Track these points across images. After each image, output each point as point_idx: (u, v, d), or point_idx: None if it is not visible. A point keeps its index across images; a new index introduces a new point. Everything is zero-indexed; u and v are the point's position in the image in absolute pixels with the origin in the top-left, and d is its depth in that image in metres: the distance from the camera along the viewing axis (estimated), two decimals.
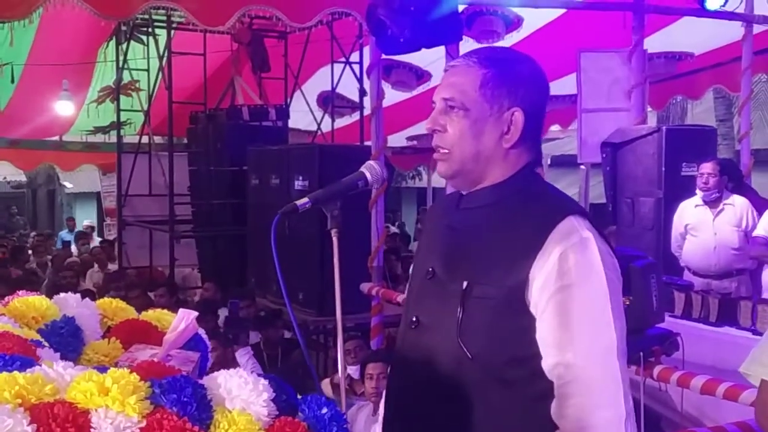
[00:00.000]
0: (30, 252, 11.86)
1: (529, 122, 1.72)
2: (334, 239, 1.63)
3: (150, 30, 8.60)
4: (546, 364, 1.61)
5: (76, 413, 1.13)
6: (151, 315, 1.85)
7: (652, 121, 9.44)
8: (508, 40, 7.77)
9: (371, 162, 1.76)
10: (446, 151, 1.73)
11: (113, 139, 10.35)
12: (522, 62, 1.78)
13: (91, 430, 1.13)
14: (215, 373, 1.30)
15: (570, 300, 1.59)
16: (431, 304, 1.77)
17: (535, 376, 1.62)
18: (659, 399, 4.23)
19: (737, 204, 5.84)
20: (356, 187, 1.73)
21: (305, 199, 1.67)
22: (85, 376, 1.19)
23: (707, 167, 5.74)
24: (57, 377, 1.20)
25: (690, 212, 5.91)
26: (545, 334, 1.60)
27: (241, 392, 1.24)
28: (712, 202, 5.80)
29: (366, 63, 6.82)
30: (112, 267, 10.06)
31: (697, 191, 5.81)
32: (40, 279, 8.99)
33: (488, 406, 1.64)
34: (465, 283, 1.67)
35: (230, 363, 5.30)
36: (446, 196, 1.95)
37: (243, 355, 5.43)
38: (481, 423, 1.64)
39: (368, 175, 1.74)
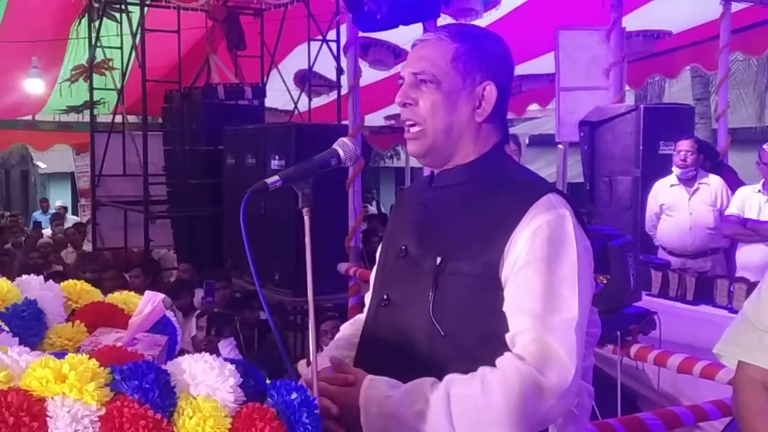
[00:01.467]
0: (4, 233, 11.71)
1: (499, 98, 1.73)
2: (306, 218, 1.58)
3: (123, 7, 8.46)
4: (509, 334, 1.61)
5: (31, 401, 1.08)
6: (118, 297, 1.79)
7: (629, 100, 9.43)
8: (487, 18, 7.70)
9: (344, 139, 1.71)
10: (418, 127, 1.71)
11: (86, 118, 10.20)
12: (491, 38, 1.79)
13: (47, 418, 1.08)
14: (179, 358, 1.24)
15: (538, 273, 1.59)
16: (403, 281, 1.76)
17: (506, 352, 1.61)
18: (636, 377, 4.24)
19: (712, 183, 5.85)
20: (329, 164, 1.69)
21: (275, 177, 1.62)
22: (41, 362, 1.13)
23: (685, 144, 5.73)
24: (11, 363, 1.14)
25: (665, 192, 5.90)
26: (511, 304, 1.61)
27: (206, 378, 1.19)
28: (687, 181, 5.80)
29: (343, 41, 6.74)
30: (87, 248, 9.95)
31: (674, 168, 5.80)
32: (12, 260, 8.86)
33: None
34: (439, 259, 1.67)
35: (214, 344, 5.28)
36: (420, 179, 1.95)
37: (226, 346, 5.38)
38: None
39: (341, 153, 1.69)
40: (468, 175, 1.74)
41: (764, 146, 5.42)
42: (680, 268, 5.32)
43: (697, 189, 5.83)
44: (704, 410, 3.04)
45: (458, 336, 1.64)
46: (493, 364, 1.59)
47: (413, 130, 1.73)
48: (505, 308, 1.62)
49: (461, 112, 1.71)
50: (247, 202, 1.64)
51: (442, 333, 1.64)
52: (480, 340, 1.64)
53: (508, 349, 1.61)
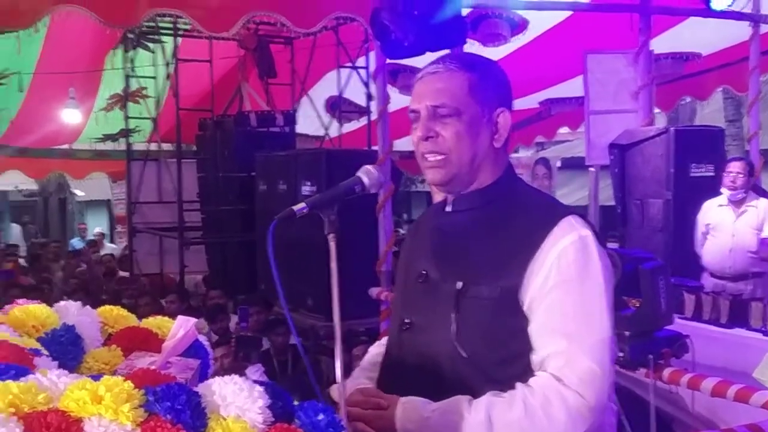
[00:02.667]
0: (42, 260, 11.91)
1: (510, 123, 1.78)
2: (332, 244, 1.62)
3: (157, 37, 8.63)
4: (538, 355, 1.64)
5: (69, 421, 1.12)
6: (152, 322, 1.84)
7: (661, 123, 9.40)
8: (515, 43, 7.76)
9: (368, 166, 1.75)
10: (442, 156, 1.74)
11: (122, 146, 10.38)
12: (494, 65, 1.83)
13: None
14: (210, 380, 1.29)
15: (568, 294, 1.63)
16: (424, 306, 1.79)
17: (526, 373, 1.65)
18: (671, 401, 4.20)
19: (761, 207, 5.75)
20: (353, 191, 1.73)
21: (302, 205, 1.67)
22: (78, 384, 1.18)
23: (736, 166, 5.69)
24: (50, 385, 1.19)
25: (712, 212, 5.87)
26: (542, 326, 1.64)
27: (236, 399, 1.23)
28: (736, 203, 5.74)
29: (372, 68, 6.82)
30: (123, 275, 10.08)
31: (723, 189, 5.77)
32: (52, 288, 9.01)
33: None
34: (460, 284, 1.70)
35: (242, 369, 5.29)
36: (433, 205, 1.98)
37: (254, 372, 5.41)
38: None
39: (365, 180, 1.73)
40: (485, 199, 1.78)
41: None
42: (714, 291, 5.27)
43: (744, 211, 5.76)
44: None
45: (480, 358, 1.68)
46: (512, 385, 1.63)
47: (436, 158, 1.75)
48: (534, 330, 1.65)
49: (482, 140, 1.75)
50: (278, 228, 1.69)
51: (464, 355, 1.68)
52: (501, 362, 1.67)
53: (529, 369, 1.65)
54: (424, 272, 1.79)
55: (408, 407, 1.66)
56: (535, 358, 1.65)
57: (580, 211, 1.81)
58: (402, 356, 1.81)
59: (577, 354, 1.59)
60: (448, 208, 1.84)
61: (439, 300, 1.73)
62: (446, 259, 1.78)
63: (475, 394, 1.65)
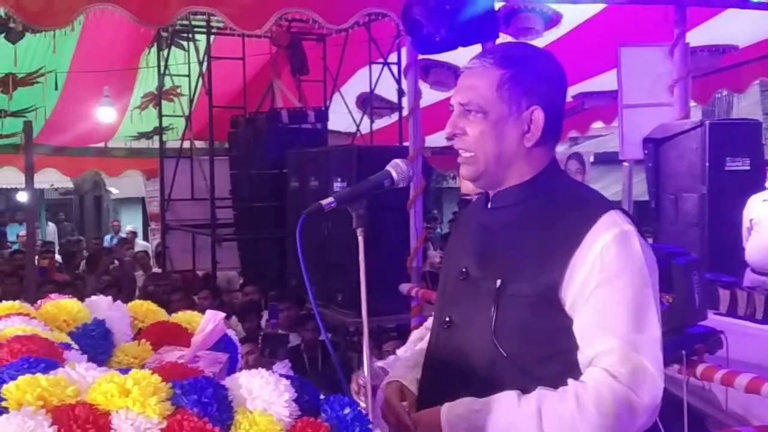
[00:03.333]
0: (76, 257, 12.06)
1: (549, 120, 1.72)
2: (360, 239, 1.62)
3: (190, 36, 8.70)
4: (587, 353, 1.61)
5: (97, 414, 1.14)
6: (181, 317, 1.86)
7: (697, 116, 9.29)
8: (547, 37, 7.69)
9: (397, 160, 1.75)
10: (470, 154, 1.74)
11: (156, 144, 10.48)
12: (539, 59, 1.77)
13: (112, 431, 1.13)
14: (237, 374, 1.30)
15: (614, 291, 1.60)
16: (465, 303, 1.78)
17: (566, 372, 1.63)
18: (704, 397, 4.15)
19: None
20: (382, 186, 1.73)
21: (330, 199, 1.67)
22: (106, 377, 1.19)
23: None
24: (79, 379, 1.21)
25: (756, 207, 5.78)
26: (588, 325, 1.61)
27: (262, 393, 1.24)
28: None
29: (404, 63, 6.81)
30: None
31: (767, 184, 5.70)
32: (84, 284, 9.13)
33: None
34: (498, 282, 1.68)
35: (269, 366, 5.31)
36: (476, 199, 1.95)
37: (281, 369, 5.42)
38: None
39: (394, 174, 1.73)
40: (524, 195, 1.75)
41: None
42: (749, 286, 5.19)
43: None
44: None
45: (519, 356, 1.66)
46: (554, 383, 1.61)
47: (465, 155, 1.75)
48: (580, 328, 1.62)
49: (509, 139, 1.72)
50: (307, 224, 1.69)
51: (504, 354, 1.66)
52: (541, 360, 1.65)
53: (571, 368, 1.62)
54: (464, 270, 1.78)
55: (453, 406, 1.65)
56: (582, 357, 1.62)
57: (621, 207, 1.77)
58: (443, 354, 1.81)
59: (628, 351, 1.56)
60: (489, 205, 1.82)
61: (479, 298, 1.72)
62: (486, 256, 1.76)
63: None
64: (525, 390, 1.62)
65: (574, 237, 1.63)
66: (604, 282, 1.60)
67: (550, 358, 1.65)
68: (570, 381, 1.59)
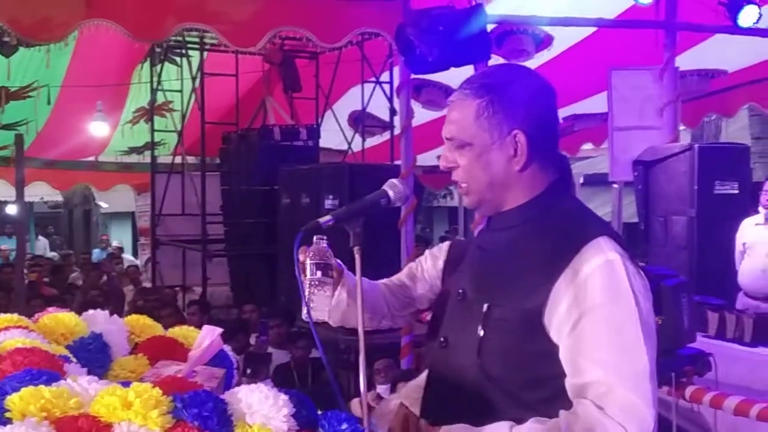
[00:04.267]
0: (65, 271, 12.03)
1: (534, 141, 1.70)
2: (357, 257, 1.65)
3: (183, 51, 8.72)
4: (573, 382, 1.59)
5: (100, 426, 1.15)
6: (178, 332, 1.87)
7: (686, 140, 9.36)
8: (539, 59, 7.77)
9: (394, 180, 1.77)
10: (465, 185, 1.76)
11: (147, 159, 10.48)
12: (518, 81, 1.76)
13: None
14: (236, 388, 1.31)
15: (599, 322, 1.57)
16: (458, 324, 1.79)
17: (555, 398, 1.61)
18: (692, 420, 4.17)
19: None
20: (379, 205, 1.75)
21: (328, 217, 1.70)
22: (108, 390, 1.21)
23: None
24: (81, 391, 1.22)
25: (749, 230, 5.84)
26: (575, 354, 1.59)
27: (261, 407, 1.25)
28: None
29: (396, 82, 6.86)
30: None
31: (760, 209, 5.75)
32: (74, 298, 9.09)
33: None
34: (486, 305, 1.68)
35: None
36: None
37: None
38: None
39: (391, 193, 1.75)
40: (521, 218, 1.74)
41: None
42: (738, 309, 5.23)
43: None
44: None
45: (505, 381, 1.66)
46: (542, 409, 1.60)
47: (462, 185, 1.77)
48: (566, 357, 1.60)
49: (497, 166, 1.72)
50: (301, 241, 1.71)
51: (489, 377, 1.66)
52: (526, 385, 1.65)
53: (559, 394, 1.61)
54: (462, 291, 1.79)
55: (450, 429, 1.64)
56: (569, 385, 1.60)
57: (614, 231, 1.74)
58: (438, 373, 1.82)
59: (615, 385, 1.53)
60: (489, 226, 1.84)
61: (470, 320, 1.72)
62: (480, 278, 1.77)
63: (502, 416, 1.63)
64: (513, 414, 1.62)
65: (558, 264, 1.62)
66: (588, 312, 1.58)
67: (535, 383, 1.64)
68: (561, 412, 1.57)
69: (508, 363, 1.65)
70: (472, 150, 1.70)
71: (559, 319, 1.60)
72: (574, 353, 1.59)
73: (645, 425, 1.53)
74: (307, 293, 1.75)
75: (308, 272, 1.75)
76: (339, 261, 1.90)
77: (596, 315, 1.57)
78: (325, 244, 1.77)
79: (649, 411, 1.54)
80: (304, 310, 1.74)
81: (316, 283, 1.75)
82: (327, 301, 1.80)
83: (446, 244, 2.14)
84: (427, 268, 2.10)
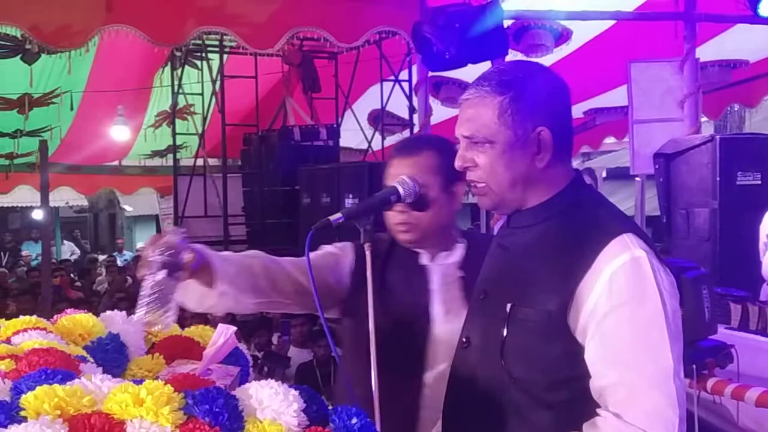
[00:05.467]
0: (92, 274, 12.18)
1: (557, 137, 1.68)
2: (367, 253, 1.66)
3: (203, 55, 8.79)
4: (597, 384, 1.57)
5: (113, 423, 1.17)
6: (194, 331, 1.90)
7: (708, 131, 9.28)
8: (557, 54, 7.74)
9: (404, 177, 1.79)
10: (483, 185, 1.71)
11: (170, 162, 10.56)
12: (536, 78, 1.73)
13: None
14: (247, 384, 1.33)
15: (623, 321, 1.55)
16: (480, 324, 1.77)
17: (578, 399, 1.60)
18: (715, 412, 4.14)
19: None
20: (389, 201, 1.76)
21: (338, 215, 1.71)
22: (121, 387, 1.23)
23: None
24: (95, 389, 1.24)
25: None
26: (599, 355, 1.57)
27: (271, 403, 1.27)
28: None
29: (415, 80, 6.87)
30: None
31: None
32: (100, 301, 9.19)
33: (532, 429, 1.63)
34: (509, 305, 1.66)
35: None
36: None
37: None
38: None
39: (401, 190, 1.77)
40: (542, 216, 1.71)
41: None
42: (761, 300, 5.18)
43: None
44: None
45: (528, 382, 1.64)
46: (565, 410, 1.59)
47: (479, 186, 1.72)
48: (590, 358, 1.58)
49: (520, 164, 1.68)
50: (316, 239, 1.73)
51: (512, 378, 1.65)
52: (549, 386, 1.63)
53: (581, 395, 1.59)
54: (485, 290, 1.78)
55: None
56: (592, 387, 1.58)
57: (638, 228, 1.70)
58: (461, 374, 1.80)
59: (639, 386, 1.51)
60: (509, 224, 1.80)
61: (493, 320, 1.70)
62: (501, 278, 1.75)
63: (525, 417, 1.63)
64: (535, 414, 1.61)
65: (582, 263, 1.59)
66: (613, 311, 1.55)
67: (558, 384, 1.62)
68: (584, 426, 1.55)
69: (531, 364, 1.63)
70: (494, 148, 1.66)
71: (584, 319, 1.58)
72: (597, 354, 1.57)
73: (670, 427, 1.49)
74: (147, 295, 1.60)
75: (154, 269, 1.59)
76: (199, 247, 1.79)
77: (621, 314, 1.55)
78: (178, 238, 1.62)
79: (674, 412, 1.50)
80: (140, 311, 1.63)
81: (159, 285, 1.59)
82: (172, 306, 1.65)
83: (349, 247, 2.14)
84: (340, 261, 2.12)
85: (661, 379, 1.52)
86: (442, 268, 2.11)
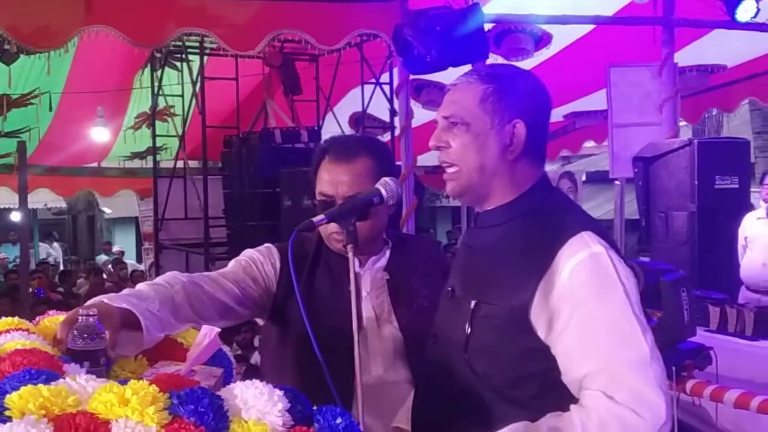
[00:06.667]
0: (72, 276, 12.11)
1: (531, 134, 1.73)
2: (350, 255, 1.67)
3: (183, 56, 8.75)
4: (574, 375, 1.59)
5: (97, 423, 1.17)
6: (177, 332, 1.89)
7: (687, 135, 9.37)
8: (538, 57, 7.78)
9: (386, 178, 1.80)
10: (454, 167, 1.76)
11: (150, 164, 10.51)
12: (521, 77, 1.81)
13: None
14: (232, 385, 1.33)
15: (591, 314, 1.58)
16: (447, 321, 1.81)
17: (542, 395, 1.63)
18: (694, 413, 4.18)
19: None
20: (371, 203, 1.77)
21: (321, 216, 1.72)
22: (106, 387, 1.23)
23: None
24: (79, 389, 1.24)
25: (750, 224, 5.86)
26: (573, 349, 1.59)
27: (256, 403, 1.27)
28: None
29: (396, 83, 6.88)
30: None
31: (761, 203, 5.77)
32: (79, 303, 9.13)
33: (499, 425, 1.63)
34: (473, 302, 1.70)
35: None
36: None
37: None
38: None
39: (383, 191, 1.77)
40: (508, 216, 1.75)
41: None
42: (738, 304, 5.24)
43: None
44: None
45: (492, 378, 1.67)
46: (531, 406, 1.61)
47: (450, 170, 1.77)
48: (563, 352, 1.61)
49: (492, 151, 1.73)
50: (294, 241, 1.73)
51: (475, 374, 1.68)
52: (513, 382, 1.66)
53: (546, 390, 1.62)
54: (451, 288, 1.81)
55: None
56: (569, 380, 1.61)
57: (602, 225, 1.76)
58: (429, 370, 1.84)
59: (620, 371, 1.54)
60: (474, 224, 1.84)
61: (458, 317, 1.73)
62: (468, 276, 1.79)
63: (489, 413, 1.65)
64: (501, 410, 1.64)
65: (542, 260, 1.63)
66: (579, 306, 1.58)
67: (523, 380, 1.65)
68: (572, 407, 1.57)
69: (494, 360, 1.66)
70: (468, 130, 1.72)
71: (548, 315, 1.61)
72: (570, 348, 1.59)
73: (656, 410, 1.52)
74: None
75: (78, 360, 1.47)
76: (115, 312, 1.68)
77: (587, 308, 1.58)
78: (92, 320, 1.51)
79: (657, 395, 1.53)
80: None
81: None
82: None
83: (275, 251, 2.17)
84: (265, 268, 2.13)
85: (640, 365, 1.55)
86: (371, 273, 2.15)
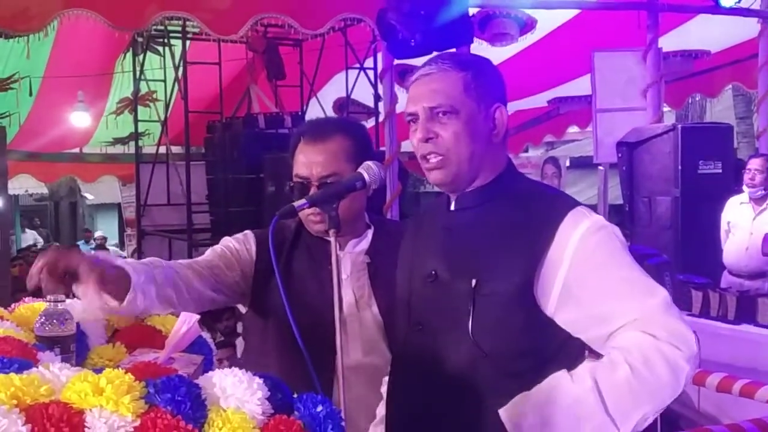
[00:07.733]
0: None
1: (507, 117, 1.79)
2: (332, 240, 1.65)
3: (166, 41, 8.66)
4: (604, 331, 1.63)
5: (71, 413, 1.14)
6: (156, 319, 1.88)
7: (670, 120, 9.38)
8: (522, 42, 7.76)
9: (369, 162, 1.77)
10: (441, 156, 1.74)
11: (132, 150, 10.42)
12: (487, 63, 1.86)
13: (86, 429, 1.14)
14: (210, 373, 1.31)
15: (609, 274, 1.64)
16: (436, 306, 1.79)
17: (543, 366, 1.65)
18: (677, 398, 4.19)
19: None
20: (354, 188, 1.75)
21: (303, 201, 1.70)
22: (80, 376, 1.20)
23: (755, 163, 5.71)
24: (53, 378, 1.21)
25: (733, 209, 5.87)
26: (595, 310, 1.63)
27: (235, 391, 1.25)
28: (757, 200, 5.74)
29: (380, 68, 6.84)
30: None
31: (744, 188, 5.78)
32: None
33: (499, 400, 1.66)
34: (474, 281, 1.70)
35: None
36: (434, 201, 1.98)
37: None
38: (493, 417, 1.65)
39: (366, 176, 1.75)
40: (489, 195, 1.78)
41: None
42: (721, 288, 5.26)
43: (765, 209, 5.74)
44: (743, 429, 3.01)
45: (498, 354, 1.69)
46: (526, 378, 1.63)
47: (437, 159, 1.75)
48: (589, 314, 1.65)
49: (480, 137, 1.75)
50: (275, 226, 1.70)
51: (483, 353, 1.69)
52: (516, 356, 1.69)
53: (542, 363, 1.65)
54: (433, 272, 1.79)
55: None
56: (598, 336, 1.64)
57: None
58: (415, 357, 1.82)
59: (652, 315, 1.59)
60: (453, 207, 1.83)
61: (453, 299, 1.73)
62: (456, 258, 1.77)
63: (493, 389, 1.67)
64: (501, 384, 1.65)
65: (544, 234, 1.67)
66: (598, 268, 1.64)
67: (524, 353, 1.68)
68: (613, 349, 1.61)
69: (500, 336, 1.68)
70: (459, 118, 1.72)
71: (557, 287, 1.65)
72: (593, 308, 1.63)
73: (690, 344, 1.58)
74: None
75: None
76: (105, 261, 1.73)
77: (606, 270, 1.64)
78: (61, 306, 1.50)
79: (687, 330, 1.59)
80: None
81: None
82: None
83: (251, 236, 2.17)
84: (240, 255, 2.12)
85: (667, 305, 1.62)
86: (351, 256, 2.15)
